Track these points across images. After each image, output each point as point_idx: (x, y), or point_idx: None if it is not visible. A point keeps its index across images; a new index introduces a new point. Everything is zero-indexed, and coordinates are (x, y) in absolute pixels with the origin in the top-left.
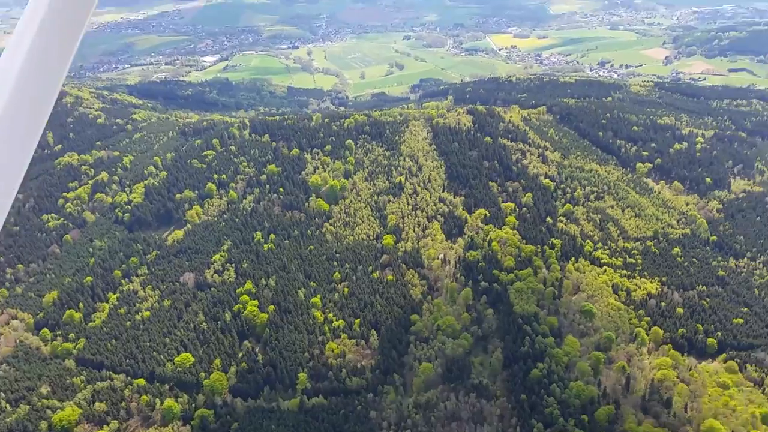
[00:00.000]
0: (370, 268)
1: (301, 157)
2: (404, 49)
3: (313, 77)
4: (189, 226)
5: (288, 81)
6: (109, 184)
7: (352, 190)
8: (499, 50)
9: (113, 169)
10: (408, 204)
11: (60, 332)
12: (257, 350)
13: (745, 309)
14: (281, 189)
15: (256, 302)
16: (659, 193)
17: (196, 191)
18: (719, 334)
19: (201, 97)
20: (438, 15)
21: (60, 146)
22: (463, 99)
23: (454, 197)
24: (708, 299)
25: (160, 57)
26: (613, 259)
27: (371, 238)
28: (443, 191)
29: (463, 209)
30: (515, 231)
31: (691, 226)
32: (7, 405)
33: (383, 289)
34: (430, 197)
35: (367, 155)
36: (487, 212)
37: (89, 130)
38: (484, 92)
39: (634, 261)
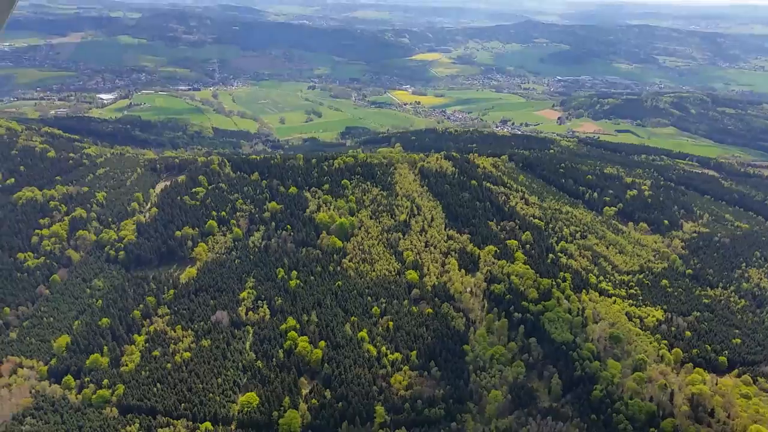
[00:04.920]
0: (405, 302)
1: (302, 196)
2: (314, 98)
3: (232, 120)
4: (199, 263)
5: (207, 122)
6: (89, 221)
7: (360, 228)
8: (405, 105)
9: (88, 206)
10: (420, 241)
11: (87, 379)
12: (320, 386)
13: (737, 330)
14: (288, 226)
15: (305, 338)
16: (629, 233)
17: (196, 228)
18: (726, 352)
19: (128, 133)
20: (329, 68)
21: (12, 180)
22: (410, 146)
23: (460, 235)
24: (705, 323)
25: (48, 92)
26: (617, 290)
27: (393, 273)
28: (445, 229)
29: (473, 246)
30: (527, 266)
31: (667, 261)
32: None
33: (427, 321)
34: (438, 234)
35: (365, 194)
36: (496, 248)
37: (41, 164)
38: (429, 141)
39: (634, 291)
